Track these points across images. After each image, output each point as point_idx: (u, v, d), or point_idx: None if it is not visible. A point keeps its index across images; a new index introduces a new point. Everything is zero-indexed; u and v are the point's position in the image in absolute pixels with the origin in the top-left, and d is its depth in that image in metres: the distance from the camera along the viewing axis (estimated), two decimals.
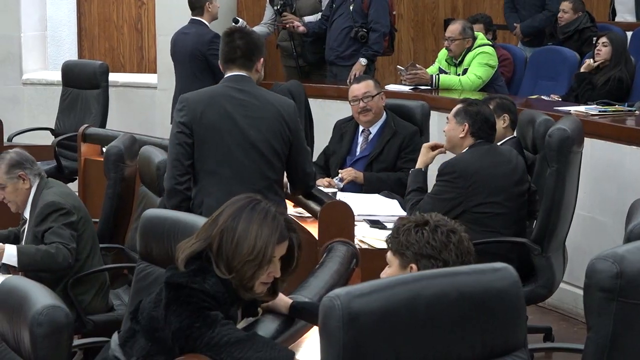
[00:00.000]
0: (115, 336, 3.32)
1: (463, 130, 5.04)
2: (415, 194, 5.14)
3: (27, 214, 4.93)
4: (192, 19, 7.96)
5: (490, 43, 7.67)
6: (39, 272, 4.65)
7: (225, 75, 4.61)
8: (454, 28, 7.47)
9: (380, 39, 8.05)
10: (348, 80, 7.69)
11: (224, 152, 4.47)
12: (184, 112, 4.49)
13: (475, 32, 7.59)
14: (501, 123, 5.49)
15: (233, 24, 8.27)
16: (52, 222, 4.75)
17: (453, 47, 7.47)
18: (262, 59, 4.62)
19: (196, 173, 4.50)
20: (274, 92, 4.84)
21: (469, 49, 7.45)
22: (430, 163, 5.29)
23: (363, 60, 7.98)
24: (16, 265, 4.70)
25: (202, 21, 7.89)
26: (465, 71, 7.45)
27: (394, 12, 8.40)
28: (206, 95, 4.58)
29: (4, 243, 4.84)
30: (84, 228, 4.86)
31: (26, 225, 4.93)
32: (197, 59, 7.80)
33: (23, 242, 4.90)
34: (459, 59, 7.51)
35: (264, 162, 4.49)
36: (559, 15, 8.85)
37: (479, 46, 7.46)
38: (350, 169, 5.92)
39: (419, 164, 5.29)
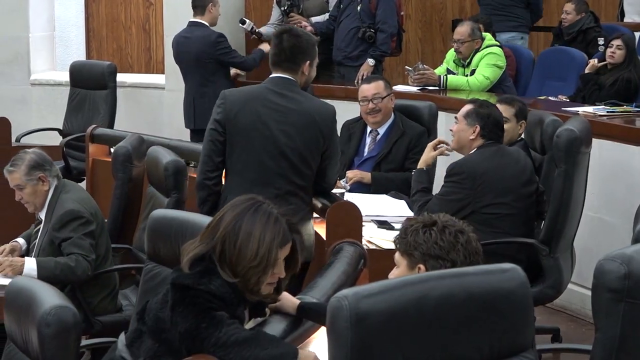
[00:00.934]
0: (122, 336, 3.32)
1: (474, 132, 5.02)
2: (420, 194, 5.13)
3: (42, 215, 4.87)
4: (191, 22, 7.90)
5: (498, 44, 7.65)
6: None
7: (270, 76, 4.63)
8: (463, 30, 7.45)
9: (387, 40, 8.04)
10: (356, 81, 7.69)
11: (251, 155, 4.51)
12: (220, 109, 4.55)
13: (484, 33, 7.58)
14: (518, 128, 5.49)
15: (240, 24, 8.29)
16: (72, 232, 4.70)
17: (462, 49, 7.45)
18: (308, 62, 4.58)
19: (226, 169, 4.58)
20: (315, 98, 4.82)
21: (477, 50, 7.44)
22: (432, 162, 5.27)
23: (371, 61, 7.98)
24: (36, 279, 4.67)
25: (202, 23, 7.85)
26: (473, 72, 7.43)
27: (402, 13, 8.39)
28: (245, 96, 4.61)
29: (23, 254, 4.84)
30: (100, 234, 4.85)
31: (41, 226, 4.88)
32: (205, 63, 7.77)
33: (37, 243, 4.86)
34: (467, 60, 7.50)
35: (291, 168, 4.51)
36: (562, 16, 8.84)
37: (487, 47, 7.44)
38: (356, 170, 5.91)
39: (420, 164, 5.26)
